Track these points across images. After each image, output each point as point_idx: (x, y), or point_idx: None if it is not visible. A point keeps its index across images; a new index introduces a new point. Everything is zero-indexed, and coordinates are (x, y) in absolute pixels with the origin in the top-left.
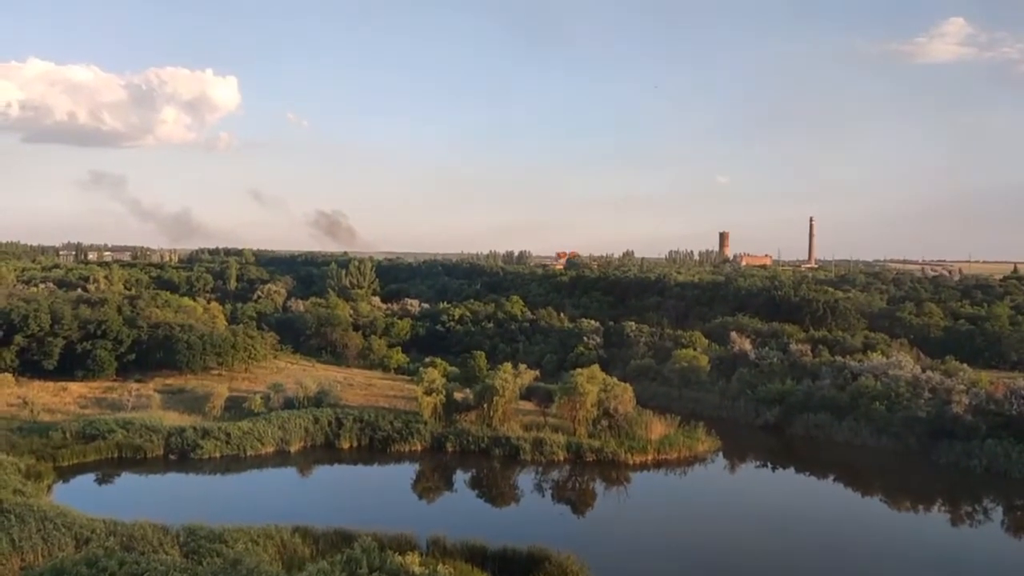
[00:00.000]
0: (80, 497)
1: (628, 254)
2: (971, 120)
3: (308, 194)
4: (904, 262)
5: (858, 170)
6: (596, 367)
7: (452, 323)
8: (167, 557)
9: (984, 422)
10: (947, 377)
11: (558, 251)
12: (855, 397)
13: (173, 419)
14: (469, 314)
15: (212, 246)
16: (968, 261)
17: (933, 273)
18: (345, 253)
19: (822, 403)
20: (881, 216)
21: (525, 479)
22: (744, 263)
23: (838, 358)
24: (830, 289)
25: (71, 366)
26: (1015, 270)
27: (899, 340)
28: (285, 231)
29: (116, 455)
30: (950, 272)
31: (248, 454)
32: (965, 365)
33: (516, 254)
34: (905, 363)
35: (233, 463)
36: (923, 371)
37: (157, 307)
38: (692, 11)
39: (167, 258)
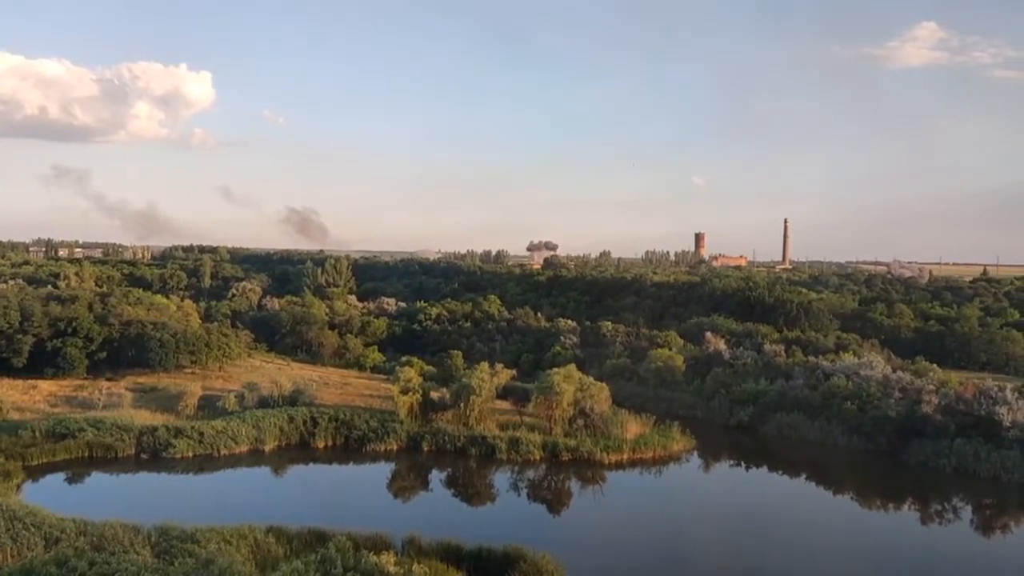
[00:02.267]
0: (50, 497)
1: (605, 254)
2: (942, 124)
3: (283, 192)
4: (876, 263)
5: (832, 172)
6: (572, 367)
7: (429, 322)
8: (138, 557)
9: (953, 422)
10: (917, 377)
11: (531, 242)
12: (827, 397)
13: (145, 418)
14: (446, 313)
15: (182, 243)
16: (938, 263)
17: (907, 274)
18: (321, 251)
19: (795, 403)
20: (854, 218)
21: (501, 478)
22: (719, 264)
23: (811, 358)
24: (803, 290)
25: (41, 364)
26: (984, 272)
27: (870, 341)
28: (260, 229)
29: (86, 454)
30: (920, 270)
31: (222, 453)
32: (935, 366)
33: (494, 253)
34: (876, 363)
35: (206, 462)
36: (894, 371)
37: (129, 304)
38: (668, 15)
39: (140, 255)
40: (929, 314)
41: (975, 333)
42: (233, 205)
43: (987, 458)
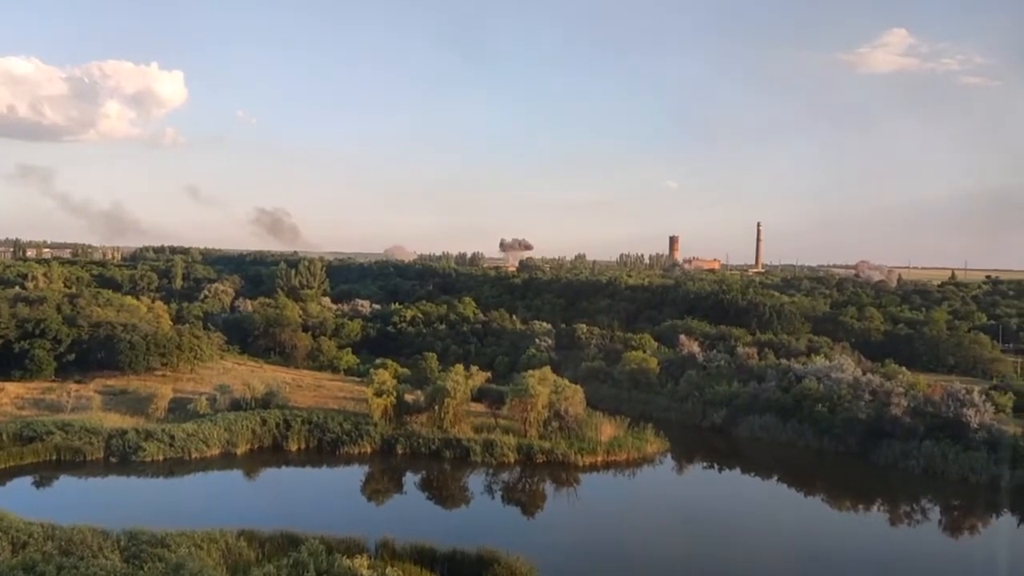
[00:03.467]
0: (17, 500)
1: (580, 257)
2: (912, 129)
3: (255, 192)
4: (847, 267)
5: (803, 177)
6: (547, 369)
7: (403, 324)
8: (107, 562)
9: (922, 424)
10: (887, 380)
11: (503, 240)
12: (799, 399)
13: (114, 421)
14: (421, 315)
15: (151, 244)
16: (908, 267)
17: (876, 276)
18: (295, 253)
19: (767, 405)
20: (825, 222)
21: (475, 481)
22: (693, 267)
23: (783, 361)
24: (776, 293)
25: (8, 366)
26: (952, 276)
27: (841, 343)
28: (231, 230)
29: (54, 457)
30: (889, 272)
31: (193, 457)
32: (904, 368)
33: (469, 255)
34: (847, 366)
35: (177, 466)
36: (864, 374)
37: (98, 306)
38: (640, 20)
39: (109, 256)
40: (898, 317)
41: (943, 336)
42: (201, 205)
43: (955, 459)
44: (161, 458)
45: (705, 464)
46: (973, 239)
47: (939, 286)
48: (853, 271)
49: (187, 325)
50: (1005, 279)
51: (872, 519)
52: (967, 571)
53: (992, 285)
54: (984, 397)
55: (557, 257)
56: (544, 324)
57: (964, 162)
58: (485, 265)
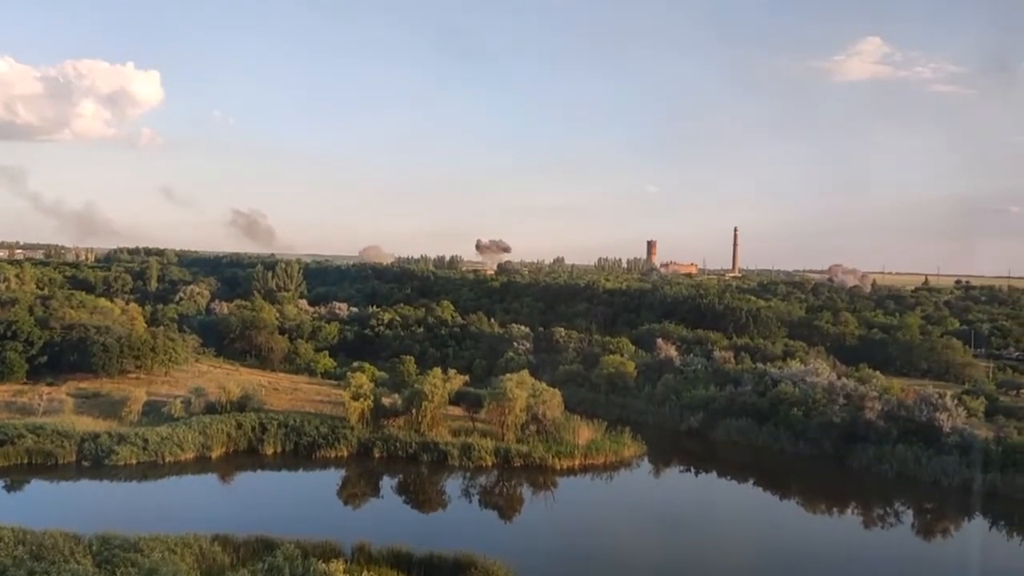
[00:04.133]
0: None
1: (558, 260)
2: (886, 136)
3: (234, 194)
4: (821, 272)
5: (780, 183)
6: (525, 372)
7: (381, 327)
8: (79, 567)
9: (895, 428)
10: (861, 384)
11: (479, 241)
12: (775, 403)
13: (87, 424)
14: (399, 319)
15: (123, 245)
16: (882, 272)
17: (850, 281)
18: (272, 255)
19: (743, 409)
20: (802, 228)
21: (453, 485)
22: (670, 271)
23: (759, 365)
24: (752, 298)
25: None
26: (926, 282)
27: (816, 348)
28: (207, 231)
29: (25, 461)
30: (863, 276)
31: (167, 460)
32: (878, 372)
33: (448, 259)
34: (822, 370)
35: (150, 470)
36: (838, 378)
37: (71, 308)
38: (623, 25)
39: (83, 257)
40: (873, 322)
41: (916, 341)
42: (176, 206)
43: (927, 463)
44: (134, 462)
45: (682, 467)
46: (946, 245)
47: (912, 291)
48: (827, 275)
49: (161, 327)
50: (977, 284)
51: (846, 522)
52: (939, 573)
53: (964, 291)
54: (956, 401)
55: (536, 260)
56: (522, 328)
57: (937, 169)
58: (463, 268)
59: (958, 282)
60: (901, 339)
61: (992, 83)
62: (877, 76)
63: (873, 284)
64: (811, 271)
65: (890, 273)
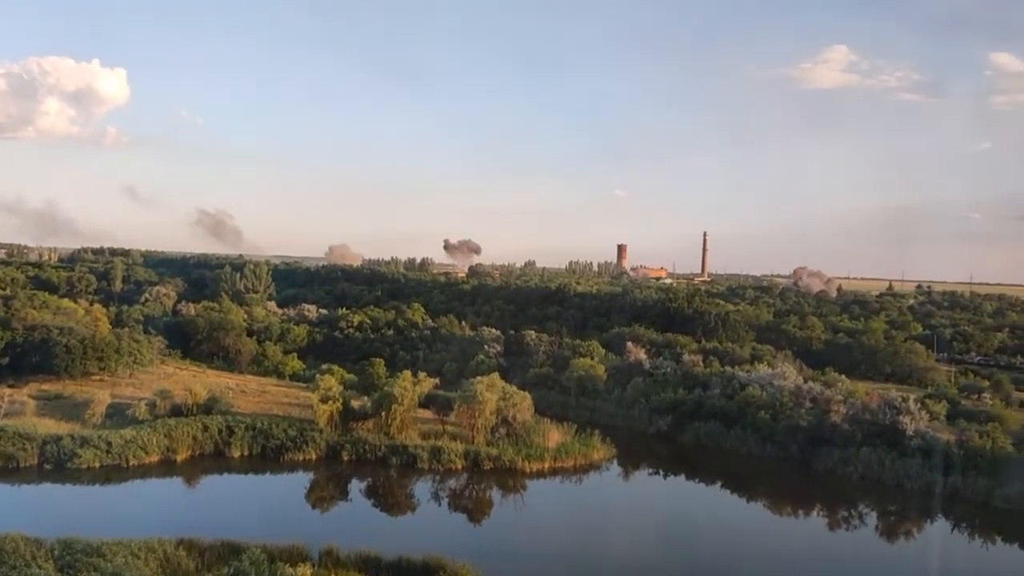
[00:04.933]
0: None
1: (529, 264)
2: (852, 143)
3: (200, 194)
4: (788, 277)
5: (749, 188)
6: (496, 375)
7: (351, 330)
8: (40, 571)
9: (860, 431)
10: (827, 388)
11: (447, 241)
12: (742, 406)
13: (49, 427)
14: (368, 321)
15: (87, 245)
16: (847, 278)
17: (816, 285)
18: (240, 256)
19: (712, 412)
20: (769, 233)
21: (422, 488)
22: (641, 275)
23: (727, 368)
24: (721, 302)
25: None
26: (890, 287)
27: (784, 352)
28: (172, 232)
29: None
30: (829, 281)
31: (131, 464)
32: (843, 376)
33: (418, 261)
34: (788, 374)
35: (114, 473)
36: (805, 382)
37: (33, 308)
38: (596, 29)
39: (46, 257)
40: (838, 327)
41: (881, 345)
42: (140, 206)
43: (891, 466)
44: (97, 465)
45: (651, 470)
46: (910, 251)
47: (877, 297)
48: (792, 277)
49: (126, 329)
50: (939, 290)
51: (812, 524)
52: (902, 573)
53: (926, 295)
54: (919, 405)
55: (507, 264)
56: (493, 330)
57: (902, 176)
58: (434, 270)
59: (919, 287)
60: (866, 343)
61: (955, 92)
62: (844, 84)
63: (839, 289)
64: (779, 276)
65: (855, 278)
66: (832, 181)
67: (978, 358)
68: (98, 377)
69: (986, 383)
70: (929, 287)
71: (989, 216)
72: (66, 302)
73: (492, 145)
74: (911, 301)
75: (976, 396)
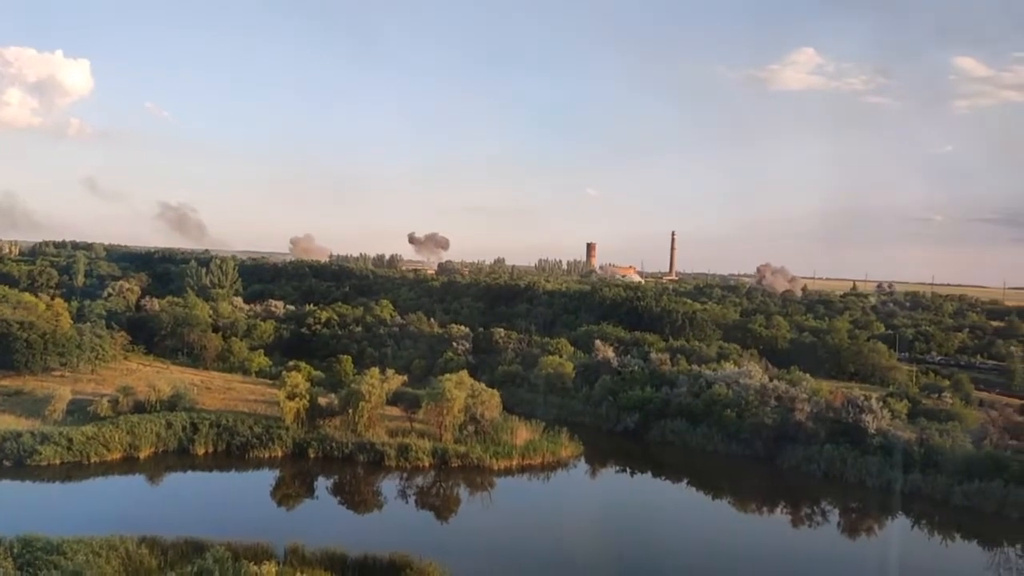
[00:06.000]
0: None
1: (499, 261)
2: (818, 145)
3: (165, 188)
4: (751, 276)
5: (717, 188)
6: (464, 373)
7: (318, 326)
8: None
9: (823, 429)
10: (791, 386)
11: (412, 235)
12: (709, 404)
13: (8, 423)
14: (336, 317)
15: (47, 238)
16: (812, 278)
17: (781, 284)
18: (206, 251)
19: (679, 410)
20: (737, 233)
21: (389, 485)
22: (618, 272)
23: (694, 367)
24: (689, 301)
25: None
26: (854, 287)
27: (750, 351)
28: (134, 225)
29: None
30: (793, 279)
31: (92, 461)
32: (808, 375)
33: (387, 257)
34: (754, 372)
35: (75, 470)
36: (770, 380)
37: None
38: (567, 29)
39: (7, 250)
40: (803, 326)
41: (844, 345)
42: (100, 199)
43: (853, 463)
44: (58, 462)
45: (618, 468)
46: (873, 252)
47: (842, 297)
48: (757, 276)
49: (89, 324)
50: (902, 290)
51: (776, 520)
52: (863, 569)
53: (889, 295)
54: (881, 404)
55: (476, 261)
56: (462, 328)
57: (867, 178)
58: (403, 267)
59: (879, 285)
60: (830, 343)
61: (919, 95)
62: (811, 86)
63: (804, 289)
64: (745, 275)
65: (821, 278)
66: (799, 182)
67: (939, 358)
68: (59, 373)
69: (946, 383)
70: (891, 285)
71: (951, 218)
72: (27, 296)
73: (462, 142)
74: (873, 301)
75: (936, 395)
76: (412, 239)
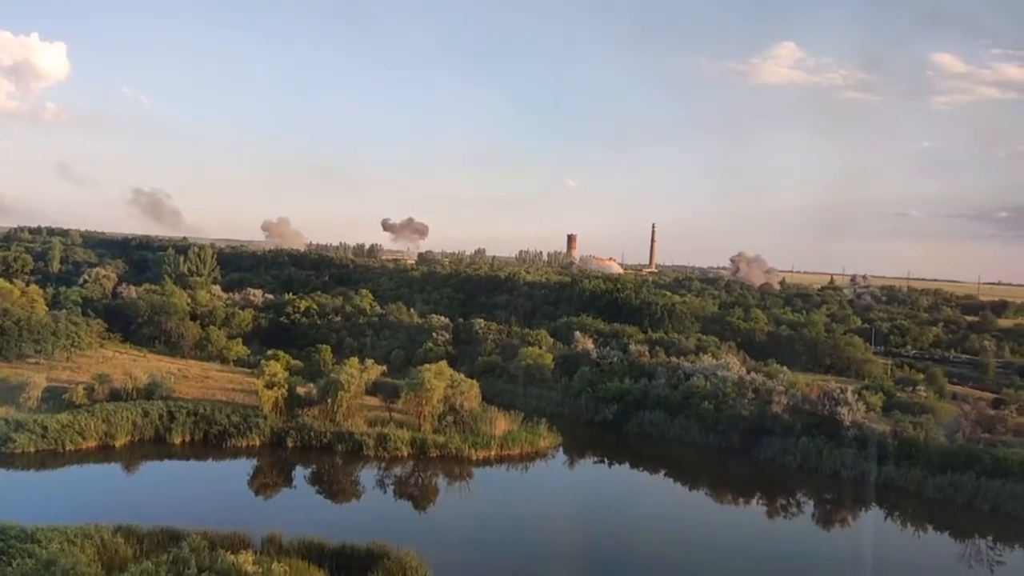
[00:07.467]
0: None
1: (479, 252)
2: (798, 139)
3: (143, 174)
4: (728, 268)
5: (697, 181)
6: (444, 363)
7: (297, 315)
8: None
9: (799, 421)
10: (768, 379)
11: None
12: (687, 396)
13: None
14: (315, 306)
15: (22, 224)
16: (791, 271)
17: (758, 278)
18: (184, 239)
19: (657, 402)
20: (716, 225)
21: (367, 475)
22: (596, 263)
23: (673, 359)
24: (668, 293)
25: None
26: (831, 281)
27: (728, 343)
28: (115, 212)
29: None
30: (770, 270)
31: (67, 449)
32: (785, 368)
33: (367, 247)
34: (732, 365)
35: (49, 458)
36: (748, 373)
37: None
38: (549, 20)
39: None
40: (781, 319)
41: (821, 338)
42: (73, 184)
43: (828, 455)
44: (32, 450)
45: (596, 459)
46: (850, 246)
47: (819, 290)
48: (732, 267)
49: (64, 311)
50: (878, 284)
51: (752, 511)
52: (836, 560)
53: (864, 288)
54: (857, 397)
55: (456, 251)
56: (441, 318)
57: (845, 172)
58: (383, 257)
59: (853, 279)
60: (807, 336)
61: (898, 91)
62: (791, 80)
63: (782, 282)
64: (724, 268)
65: (799, 272)
66: (778, 176)
67: (913, 352)
68: (34, 360)
69: (921, 376)
70: (866, 279)
71: (927, 214)
72: (1, 282)
73: (442, 132)
74: (849, 295)
75: (911, 389)
76: (387, 226)
